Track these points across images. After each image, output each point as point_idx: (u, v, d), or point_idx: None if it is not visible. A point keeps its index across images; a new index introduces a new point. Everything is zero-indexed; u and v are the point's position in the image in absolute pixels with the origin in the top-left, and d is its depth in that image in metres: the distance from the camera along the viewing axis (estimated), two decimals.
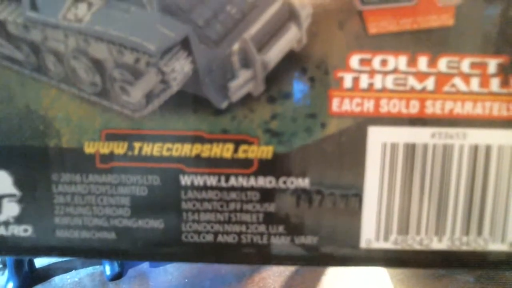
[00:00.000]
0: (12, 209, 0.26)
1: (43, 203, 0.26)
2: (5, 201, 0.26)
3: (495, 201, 0.24)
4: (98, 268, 1.41)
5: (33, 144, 0.25)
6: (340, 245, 0.25)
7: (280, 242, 0.25)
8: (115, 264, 1.38)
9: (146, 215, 0.25)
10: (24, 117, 0.24)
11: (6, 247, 0.26)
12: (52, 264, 1.44)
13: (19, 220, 0.26)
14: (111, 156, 0.25)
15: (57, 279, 1.36)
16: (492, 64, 0.23)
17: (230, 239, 0.26)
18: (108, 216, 0.26)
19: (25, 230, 0.26)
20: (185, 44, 0.23)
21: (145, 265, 1.42)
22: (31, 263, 1.37)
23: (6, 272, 1.32)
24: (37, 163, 0.25)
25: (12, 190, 0.25)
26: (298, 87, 0.24)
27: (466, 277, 1.25)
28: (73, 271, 1.40)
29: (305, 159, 0.24)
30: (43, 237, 0.26)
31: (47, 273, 1.39)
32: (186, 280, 1.35)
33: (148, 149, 0.24)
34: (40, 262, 1.44)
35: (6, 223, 0.26)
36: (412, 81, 0.23)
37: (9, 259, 1.30)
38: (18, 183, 0.25)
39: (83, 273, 1.39)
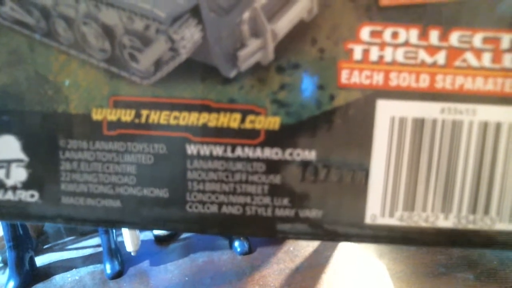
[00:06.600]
0: (19, 174, 0.26)
1: (50, 169, 0.26)
2: (13, 166, 0.26)
3: (503, 179, 0.24)
4: (98, 266, 1.41)
5: (41, 109, 0.25)
6: (345, 220, 0.25)
7: (284, 215, 0.25)
8: (116, 263, 1.38)
9: (151, 183, 0.25)
10: (33, 82, 0.25)
11: (13, 212, 0.26)
12: (52, 262, 1.45)
13: (26, 185, 0.26)
14: (118, 123, 0.25)
15: (57, 278, 1.37)
16: (506, 39, 0.23)
17: (234, 210, 0.25)
18: (114, 183, 0.25)
19: (32, 196, 0.26)
20: (195, 12, 0.23)
21: (145, 264, 1.42)
22: (32, 262, 1.37)
23: (7, 270, 1.33)
24: (45, 129, 0.25)
25: (20, 155, 0.25)
26: (308, 57, 0.23)
27: (466, 275, 1.24)
28: (74, 269, 1.41)
29: (312, 131, 0.24)
30: (49, 204, 0.26)
31: (47, 272, 1.39)
32: (187, 278, 1.35)
33: (155, 117, 0.24)
34: (40, 260, 1.44)
35: (13, 188, 0.26)
36: (423, 55, 0.23)
37: (10, 258, 1.31)
38: (26, 148, 0.25)
39: (84, 272, 1.39)
